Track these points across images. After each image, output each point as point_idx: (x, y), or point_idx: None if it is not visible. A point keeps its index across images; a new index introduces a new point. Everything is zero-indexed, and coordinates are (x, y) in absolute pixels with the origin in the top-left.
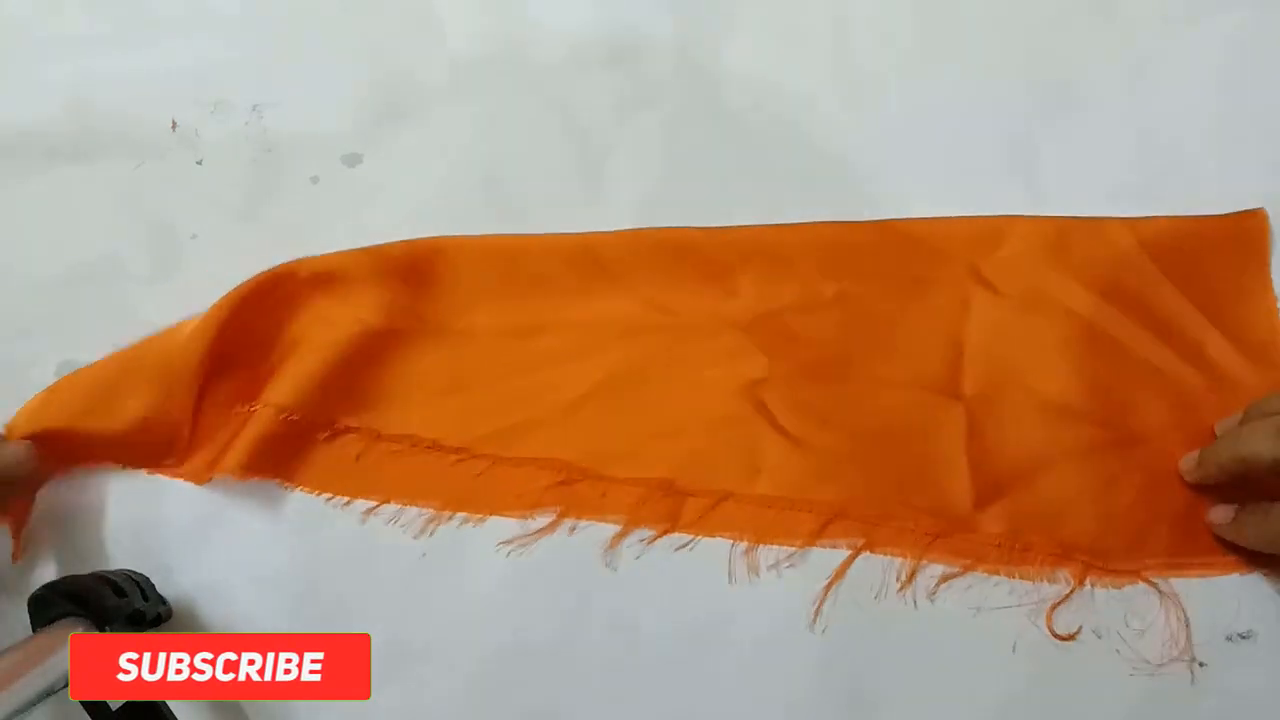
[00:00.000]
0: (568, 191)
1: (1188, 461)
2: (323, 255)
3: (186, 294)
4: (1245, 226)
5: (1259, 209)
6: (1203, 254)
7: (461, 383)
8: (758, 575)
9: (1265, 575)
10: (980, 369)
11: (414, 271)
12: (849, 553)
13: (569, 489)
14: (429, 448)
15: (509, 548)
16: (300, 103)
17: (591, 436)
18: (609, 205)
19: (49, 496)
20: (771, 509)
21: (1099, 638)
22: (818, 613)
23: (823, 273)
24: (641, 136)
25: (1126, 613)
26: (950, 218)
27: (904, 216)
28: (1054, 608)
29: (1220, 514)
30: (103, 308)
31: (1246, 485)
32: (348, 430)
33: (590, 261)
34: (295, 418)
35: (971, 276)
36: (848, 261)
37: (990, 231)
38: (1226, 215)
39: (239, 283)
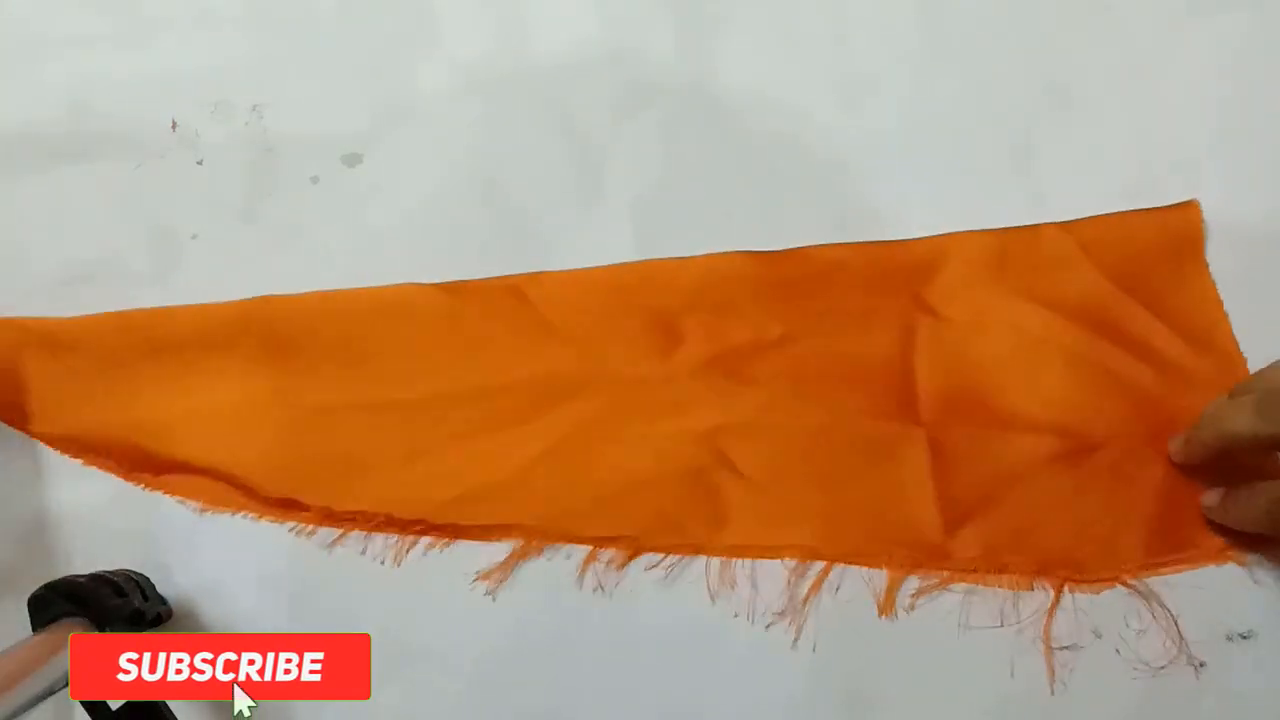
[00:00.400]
0: (567, 192)
1: (1174, 443)
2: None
3: (186, 294)
4: (1178, 217)
5: (1191, 200)
6: (1139, 249)
7: (414, 452)
8: (733, 588)
9: (1251, 565)
10: (935, 394)
11: (347, 344)
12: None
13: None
14: (383, 523)
15: (486, 583)
16: (300, 103)
17: (550, 499)
18: (608, 206)
19: (48, 496)
20: (742, 557)
21: (1099, 638)
22: (799, 629)
23: (767, 314)
24: (640, 138)
25: (1126, 613)
26: (888, 242)
27: (900, 216)
28: (1048, 622)
29: (1210, 498)
30: (103, 308)
31: (1231, 464)
32: (299, 508)
33: (526, 313)
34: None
35: (914, 304)
36: (791, 300)
37: (929, 256)
38: (1159, 208)
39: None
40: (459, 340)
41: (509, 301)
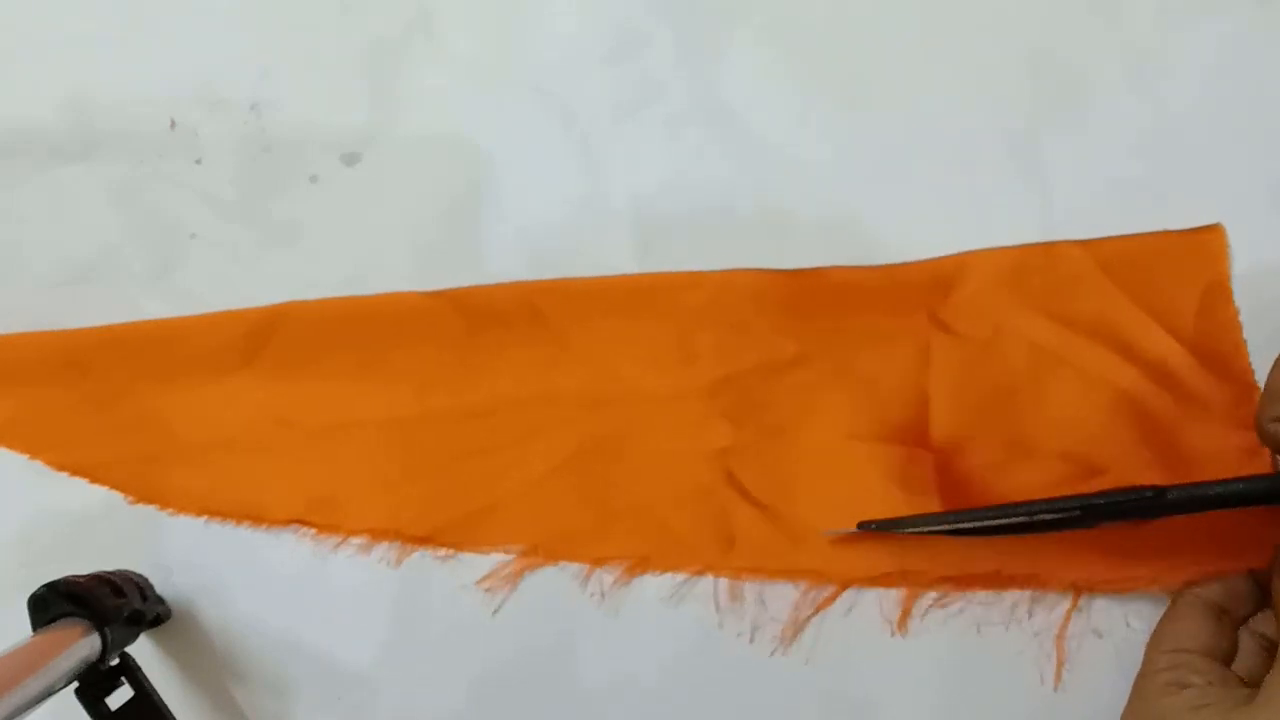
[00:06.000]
0: (567, 192)
1: None
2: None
3: (186, 294)
4: (1203, 241)
5: (1217, 224)
6: (1161, 271)
7: (421, 469)
8: (741, 605)
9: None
10: (946, 416)
11: (358, 360)
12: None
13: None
14: (391, 537)
15: (485, 585)
16: (299, 102)
17: (557, 518)
18: (608, 205)
19: (48, 496)
20: (750, 578)
21: (1099, 638)
22: (797, 634)
23: (781, 332)
24: (641, 137)
25: (1127, 613)
26: (906, 264)
27: (900, 214)
28: (1062, 629)
29: None
30: (102, 308)
31: None
32: (304, 524)
33: (539, 327)
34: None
35: (930, 323)
36: (805, 319)
37: (946, 274)
38: (1184, 231)
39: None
40: (470, 355)
41: (522, 315)
